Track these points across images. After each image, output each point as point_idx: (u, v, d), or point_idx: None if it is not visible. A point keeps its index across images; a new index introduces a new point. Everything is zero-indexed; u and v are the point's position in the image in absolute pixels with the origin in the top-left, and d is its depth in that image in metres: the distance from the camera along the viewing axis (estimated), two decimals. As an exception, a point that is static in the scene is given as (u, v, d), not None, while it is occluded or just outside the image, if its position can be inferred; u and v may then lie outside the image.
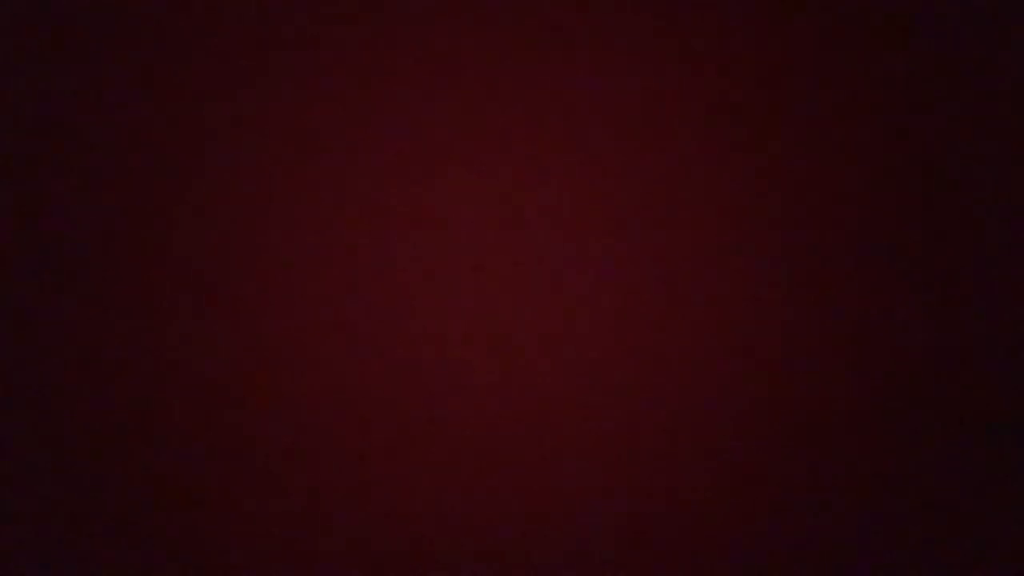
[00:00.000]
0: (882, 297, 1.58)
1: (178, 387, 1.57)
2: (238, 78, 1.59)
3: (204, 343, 1.57)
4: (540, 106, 1.59)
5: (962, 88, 1.59)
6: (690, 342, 1.57)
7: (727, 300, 1.58)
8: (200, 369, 1.57)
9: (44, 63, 1.59)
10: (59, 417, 1.57)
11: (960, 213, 1.58)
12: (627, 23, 1.59)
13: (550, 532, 1.57)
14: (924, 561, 1.56)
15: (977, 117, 1.59)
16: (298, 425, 1.57)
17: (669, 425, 1.57)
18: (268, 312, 1.58)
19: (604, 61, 1.59)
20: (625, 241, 1.58)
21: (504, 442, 1.57)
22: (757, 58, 1.59)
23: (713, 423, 1.57)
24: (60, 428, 1.57)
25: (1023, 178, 1.58)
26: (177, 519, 1.56)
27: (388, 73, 1.59)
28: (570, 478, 1.57)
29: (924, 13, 1.59)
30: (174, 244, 1.58)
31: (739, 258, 1.58)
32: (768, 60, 1.59)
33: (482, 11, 1.59)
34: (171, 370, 1.57)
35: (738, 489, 1.56)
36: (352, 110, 1.59)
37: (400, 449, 1.57)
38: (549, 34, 1.59)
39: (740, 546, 1.56)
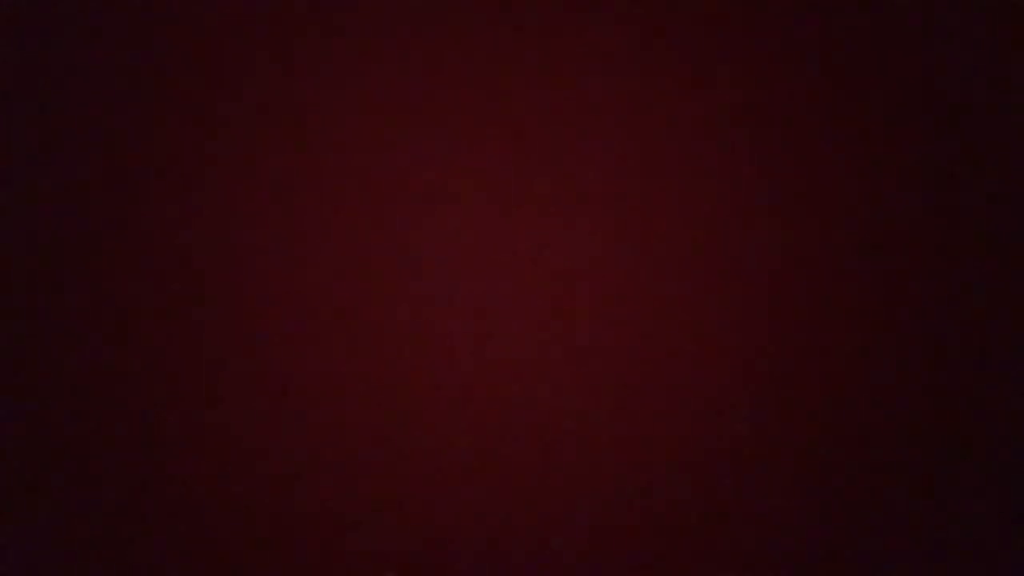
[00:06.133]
0: (884, 299, 1.58)
1: (175, 387, 1.57)
2: (241, 80, 1.59)
3: (203, 344, 1.57)
4: (542, 108, 1.59)
5: (965, 90, 1.59)
6: (692, 345, 1.57)
7: (728, 303, 1.58)
8: (199, 370, 1.57)
9: (44, 63, 1.59)
10: (60, 418, 1.57)
11: (962, 215, 1.58)
12: (625, 26, 1.59)
13: (550, 535, 1.56)
14: (925, 564, 1.56)
15: (979, 119, 1.59)
16: (298, 427, 1.57)
17: (672, 427, 1.57)
18: (269, 314, 1.58)
19: (605, 66, 1.59)
20: (628, 244, 1.58)
21: (505, 446, 1.57)
22: (755, 60, 1.59)
23: (715, 426, 1.57)
24: (62, 429, 1.57)
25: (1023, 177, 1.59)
26: (175, 519, 1.56)
27: (390, 73, 1.59)
28: (570, 481, 1.57)
29: (925, 15, 1.59)
30: (174, 246, 1.58)
31: (741, 261, 1.58)
32: (766, 62, 1.59)
33: (481, 13, 1.60)
34: (168, 370, 1.57)
35: (738, 492, 1.56)
36: (354, 112, 1.59)
37: (400, 452, 1.57)
38: (549, 36, 1.59)
39: (739, 549, 1.56)
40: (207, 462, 1.56)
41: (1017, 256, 1.58)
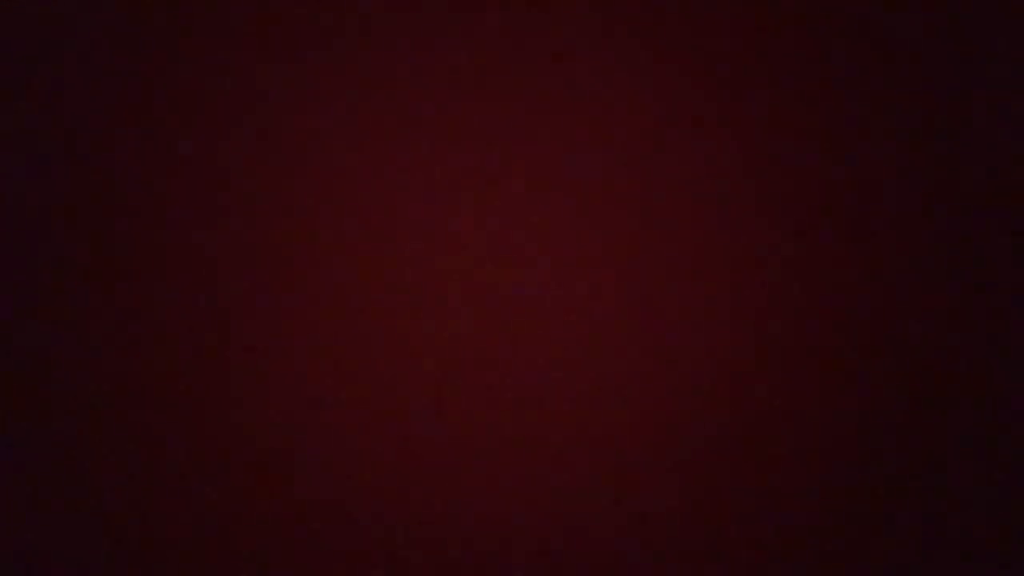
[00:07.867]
0: (882, 299, 1.58)
1: (177, 387, 1.57)
2: (244, 82, 1.59)
3: (205, 343, 1.57)
4: (542, 110, 1.59)
5: (964, 91, 1.59)
6: (691, 345, 1.57)
7: (727, 303, 1.58)
8: (203, 370, 1.57)
9: (46, 64, 1.59)
10: (66, 419, 1.57)
11: (960, 216, 1.58)
12: (623, 26, 1.59)
13: (549, 536, 1.57)
14: (925, 563, 1.56)
15: (978, 120, 1.59)
16: (299, 427, 1.57)
17: (673, 428, 1.57)
18: (270, 314, 1.58)
19: (601, 66, 1.59)
20: (628, 244, 1.58)
21: (504, 446, 1.57)
22: (752, 60, 1.59)
23: (714, 426, 1.57)
24: (67, 429, 1.57)
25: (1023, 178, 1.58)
26: (176, 520, 1.56)
27: (392, 76, 1.60)
28: (570, 481, 1.57)
29: (925, 16, 1.60)
30: (176, 245, 1.58)
31: (740, 260, 1.58)
32: (762, 62, 1.59)
33: (482, 15, 1.60)
34: (170, 370, 1.57)
35: (735, 492, 1.56)
36: (356, 113, 1.60)
37: (400, 452, 1.57)
38: (548, 37, 1.59)
39: (737, 550, 1.56)
40: (210, 462, 1.57)
41: (1017, 256, 1.58)
